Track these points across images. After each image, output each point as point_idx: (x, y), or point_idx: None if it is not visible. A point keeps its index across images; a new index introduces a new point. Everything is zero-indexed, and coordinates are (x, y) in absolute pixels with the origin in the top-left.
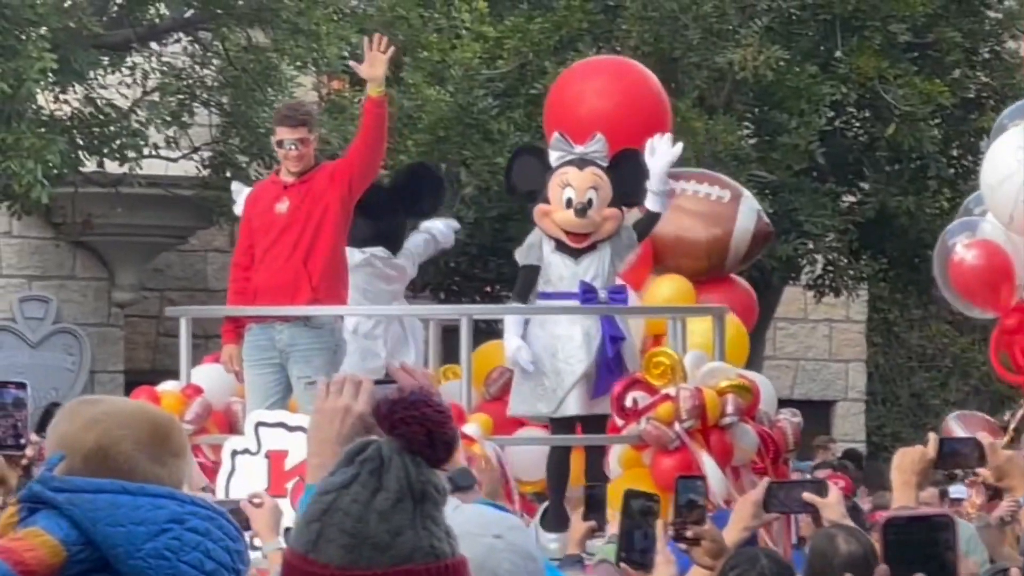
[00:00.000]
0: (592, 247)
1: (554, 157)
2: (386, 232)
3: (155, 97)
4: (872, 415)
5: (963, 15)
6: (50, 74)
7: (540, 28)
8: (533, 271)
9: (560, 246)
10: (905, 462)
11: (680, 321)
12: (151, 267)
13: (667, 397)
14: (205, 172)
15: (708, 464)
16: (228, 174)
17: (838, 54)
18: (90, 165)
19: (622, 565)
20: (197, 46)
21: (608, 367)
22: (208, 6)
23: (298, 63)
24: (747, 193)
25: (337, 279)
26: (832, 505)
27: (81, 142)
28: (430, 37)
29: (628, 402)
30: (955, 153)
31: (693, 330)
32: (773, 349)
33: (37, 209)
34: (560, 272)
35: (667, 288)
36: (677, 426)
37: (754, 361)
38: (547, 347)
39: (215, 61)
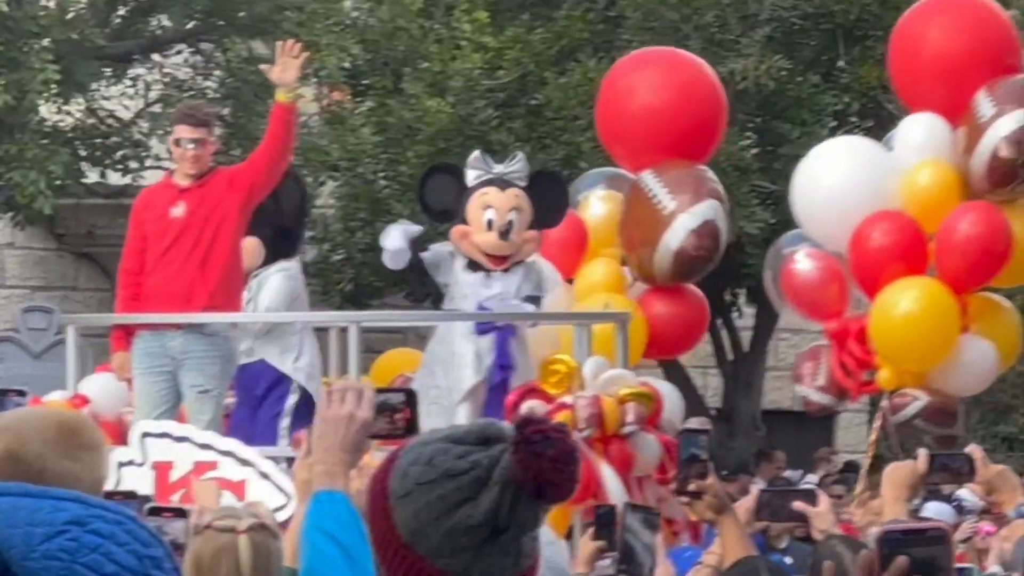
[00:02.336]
0: (505, 269)
1: (471, 176)
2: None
3: (157, 108)
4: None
5: None
6: (53, 86)
7: (541, 38)
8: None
9: (472, 265)
10: (896, 476)
11: (585, 329)
12: None
13: (564, 406)
14: None
15: (607, 474)
16: None
17: (841, 64)
18: (93, 176)
19: None
20: (199, 57)
21: (495, 392)
22: (210, 18)
23: (299, 74)
24: (702, 208)
25: (233, 286)
26: (823, 514)
27: (84, 153)
28: (430, 47)
29: (524, 411)
30: None
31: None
32: (775, 360)
33: (40, 220)
34: (465, 291)
35: (598, 271)
36: (575, 435)
37: (756, 372)
38: (443, 363)
39: (217, 72)
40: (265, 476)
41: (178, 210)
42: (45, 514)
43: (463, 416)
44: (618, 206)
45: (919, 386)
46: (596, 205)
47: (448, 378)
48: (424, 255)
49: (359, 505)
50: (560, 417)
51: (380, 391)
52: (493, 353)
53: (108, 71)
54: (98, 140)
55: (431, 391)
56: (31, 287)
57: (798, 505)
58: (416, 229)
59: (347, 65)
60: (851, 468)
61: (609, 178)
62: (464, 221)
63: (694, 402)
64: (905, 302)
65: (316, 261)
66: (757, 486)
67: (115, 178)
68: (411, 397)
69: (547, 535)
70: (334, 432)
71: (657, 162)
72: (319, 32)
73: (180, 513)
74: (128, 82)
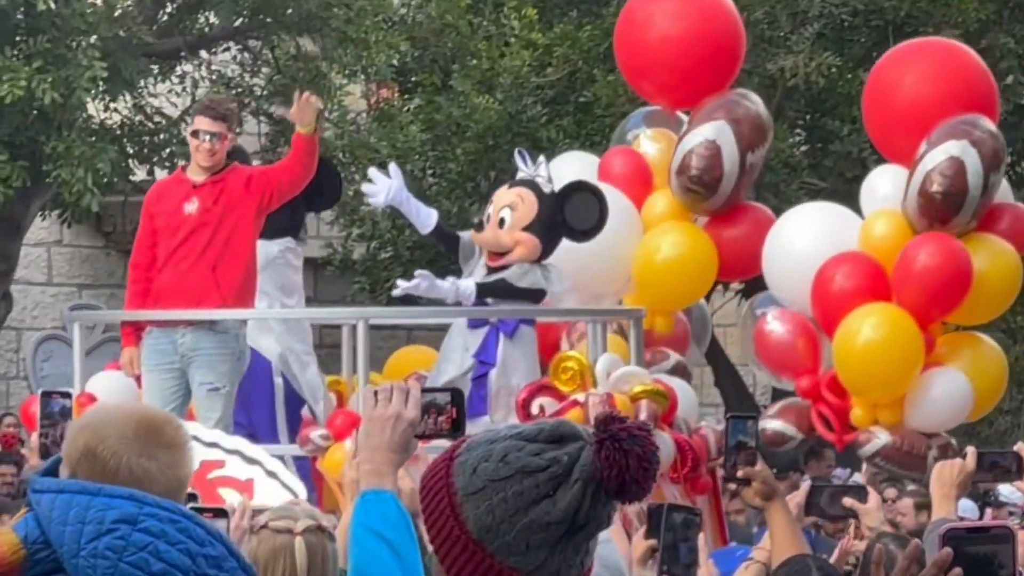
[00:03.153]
0: (499, 268)
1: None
2: (294, 224)
3: None
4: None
5: (1017, 21)
6: (100, 83)
7: (589, 35)
8: (456, 245)
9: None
10: (944, 475)
11: (600, 324)
12: None
13: (575, 403)
14: None
15: None
16: None
17: None
18: (140, 174)
19: None
20: (247, 55)
21: (474, 386)
22: (258, 15)
23: (347, 71)
24: (704, 129)
25: (246, 286)
26: (871, 511)
27: (131, 151)
28: (479, 45)
29: (534, 409)
30: (1009, 160)
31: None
32: None
33: (87, 218)
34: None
35: (661, 202)
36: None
37: None
38: (440, 355)
39: (264, 70)
40: (272, 475)
41: (191, 206)
42: (96, 512)
43: None
44: (668, 142)
45: (892, 423)
46: (647, 144)
47: (438, 371)
48: (462, 235)
49: (410, 505)
50: (571, 415)
51: (426, 391)
52: (478, 347)
53: (155, 68)
54: (145, 137)
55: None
56: (78, 285)
57: (847, 501)
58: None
59: (395, 62)
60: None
61: (647, 117)
62: None
63: (743, 398)
64: (866, 328)
65: (364, 259)
66: (807, 483)
67: (162, 175)
68: (457, 396)
69: (602, 534)
70: (381, 432)
71: (681, 91)
72: (368, 29)
73: (220, 513)
74: (175, 79)
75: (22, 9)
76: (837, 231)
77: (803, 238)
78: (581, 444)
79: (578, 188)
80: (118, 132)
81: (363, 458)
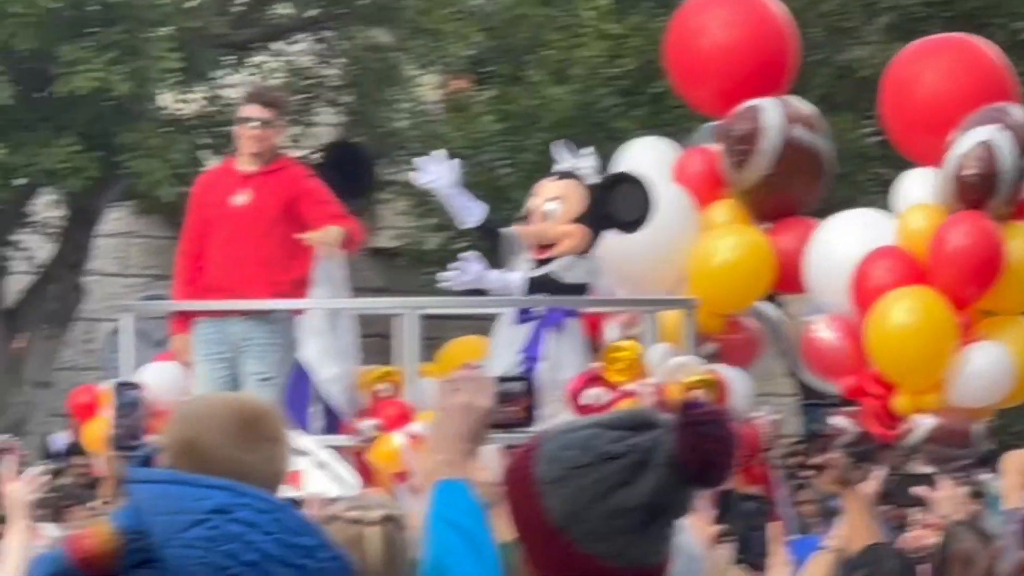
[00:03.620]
0: (545, 261)
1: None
2: None
3: None
4: (1001, 415)
5: None
6: (174, 74)
7: (663, 26)
8: (507, 242)
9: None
10: (1015, 465)
11: (653, 315)
12: None
13: (628, 393)
14: None
15: None
16: None
17: None
18: (213, 164)
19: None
20: (320, 45)
21: None
22: (331, 5)
23: (421, 62)
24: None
25: (297, 278)
26: (943, 500)
27: (204, 142)
28: (553, 35)
29: (586, 400)
30: None
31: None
32: None
33: (161, 209)
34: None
35: (722, 210)
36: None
37: None
38: (489, 351)
39: (338, 60)
40: (323, 465)
41: (240, 198)
42: (189, 502)
43: None
44: None
45: (937, 407)
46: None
47: (485, 368)
48: (504, 231)
49: (488, 495)
50: (624, 405)
51: (500, 380)
52: (525, 342)
53: (229, 59)
54: (219, 128)
55: None
56: (152, 275)
57: (918, 490)
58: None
59: (469, 53)
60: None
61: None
62: None
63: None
64: (898, 311)
65: (437, 249)
66: (879, 472)
67: None
68: (530, 386)
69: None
70: (454, 421)
71: (735, 100)
72: (441, 20)
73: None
74: (249, 70)
75: (96, 0)
76: (876, 235)
77: (843, 244)
78: (661, 430)
79: (624, 179)
80: (191, 123)
81: (437, 447)
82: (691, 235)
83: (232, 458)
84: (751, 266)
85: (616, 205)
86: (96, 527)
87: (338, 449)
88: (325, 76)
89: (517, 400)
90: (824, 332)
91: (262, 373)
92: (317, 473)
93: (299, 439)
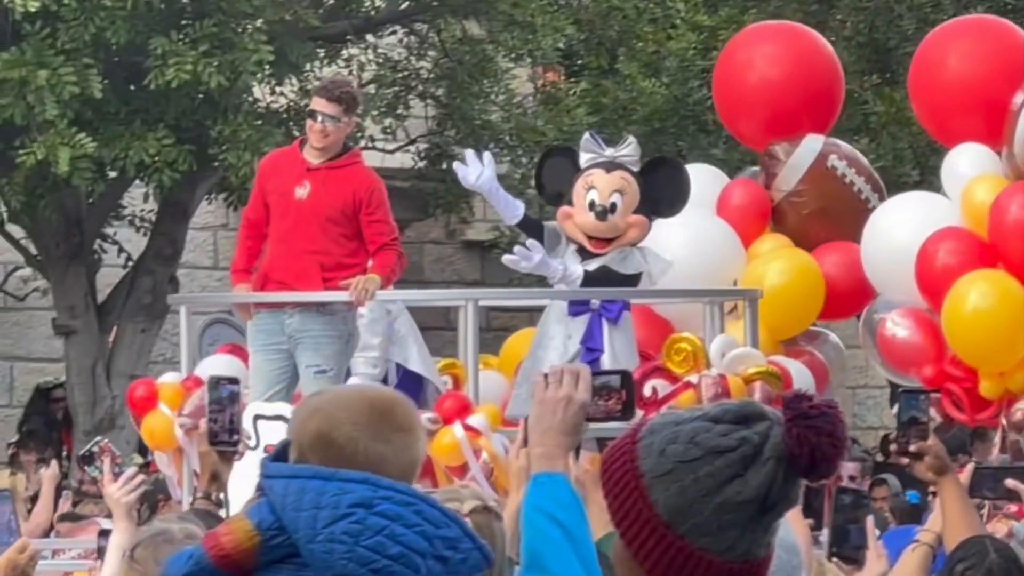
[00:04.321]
0: (605, 253)
1: (584, 159)
2: None
3: (371, 89)
4: None
5: None
6: (266, 66)
7: (755, 18)
8: (540, 230)
9: (579, 249)
10: None
11: (717, 305)
12: None
13: (688, 385)
14: (421, 164)
15: None
16: (444, 166)
17: None
18: None
19: (833, 560)
20: (413, 38)
21: None
22: None
23: (513, 55)
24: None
25: (355, 272)
26: None
27: (297, 134)
28: (645, 27)
29: (647, 391)
30: None
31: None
32: None
33: None
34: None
35: (770, 244)
36: None
37: None
38: (537, 344)
39: (431, 53)
40: None
41: (303, 191)
42: (331, 496)
43: None
44: None
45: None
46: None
47: (535, 361)
48: (547, 225)
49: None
50: (684, 397)
51: (597, 373)
52: (583, 335)
53: (321, 52)
54: (310, 120)
55: (531, 375)
56: None
57: (1011, 483)
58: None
59: (562, 45)
60: None
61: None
62: (571, 203)
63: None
64: (973, 296)
65: None
66: (971, 465)
67: None
68: (627, 379)
69: None
70: (552, 415)
71: (781, 135)
72: (534, 12)
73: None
74: (342, 63)
75: None
76: (933, 217)
77: (900, 228)
78: (769, 423)
79: (662, 163)
80: (284, 116)
81: (534, 441)
82: (737, 266)
83: (369, 450)
84: (803, 289)
85: (660, 190)
86: (233, 524)
87: None
88: (417, 69)
89: (614, 393)
90: (897, 327)
91: (318, 365)
92: None
93: None
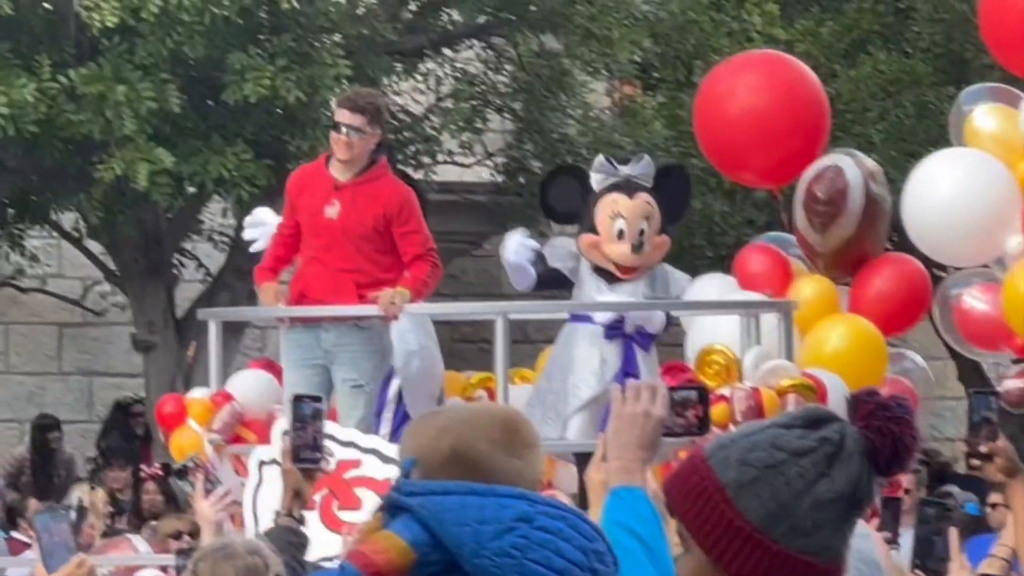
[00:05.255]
0: (631, 280)
1: (596, 179)
2: None
3: (449, 103)
4: None
5: None
6: (344, 81)
7: (831, 31)
8: (558, 275)
9: (598, 270)
10: None
11: (754, 318)
12: (445, 273)
13: (721, 398)
14: (499, 178)
15: None
16: (522, 180)
17: None
18: None
19: (916, 572)
20: (490, 52)
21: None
22: (501, 12)
23: (590, 68)
24: None
25: (390, 287)
26: None
27: None
28: (721, 41)
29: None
30: None
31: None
32: None
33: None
34: (591, 295)
35: (808, 289)
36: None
37: None
38: (563, 367)
39: (508, 67)
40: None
41: (332, 210)
42: (492, 512)
43: (577, 425)
44: (1008, 117)
45: None
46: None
47: (566, 384)
48: (547, 251)
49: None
50: (717, 410)
51: (673, 389)
52: (619, 360)
53: (399, 66)
54: (390, 135)
55: (548, 396)
56: None
57: None
58: (533, 244)
59: (638, 59)
60: None
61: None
62: (592, 228)
63: (976, 382)
64: None
65: None
66: None
67: (406, 173)
68: (704, 395)
69: (859, 527)
70: (630, 429)
71: (767, 166)
72: (611, 25)
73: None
74: (419, 77)
75: (266, 8)
76: (974, 175)
77: (943, 185)
78: (841, 423)
79: (669, 172)
80: None
81: (613, 455)
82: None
83: (506, 466)
84: (865, 355)
85: (669, 201)
86: (383, 542)
87: None
88: (495, 83)
89: (691, 408)
90: (975, 301)
91: (355, 380)
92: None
93: (388, 447)
